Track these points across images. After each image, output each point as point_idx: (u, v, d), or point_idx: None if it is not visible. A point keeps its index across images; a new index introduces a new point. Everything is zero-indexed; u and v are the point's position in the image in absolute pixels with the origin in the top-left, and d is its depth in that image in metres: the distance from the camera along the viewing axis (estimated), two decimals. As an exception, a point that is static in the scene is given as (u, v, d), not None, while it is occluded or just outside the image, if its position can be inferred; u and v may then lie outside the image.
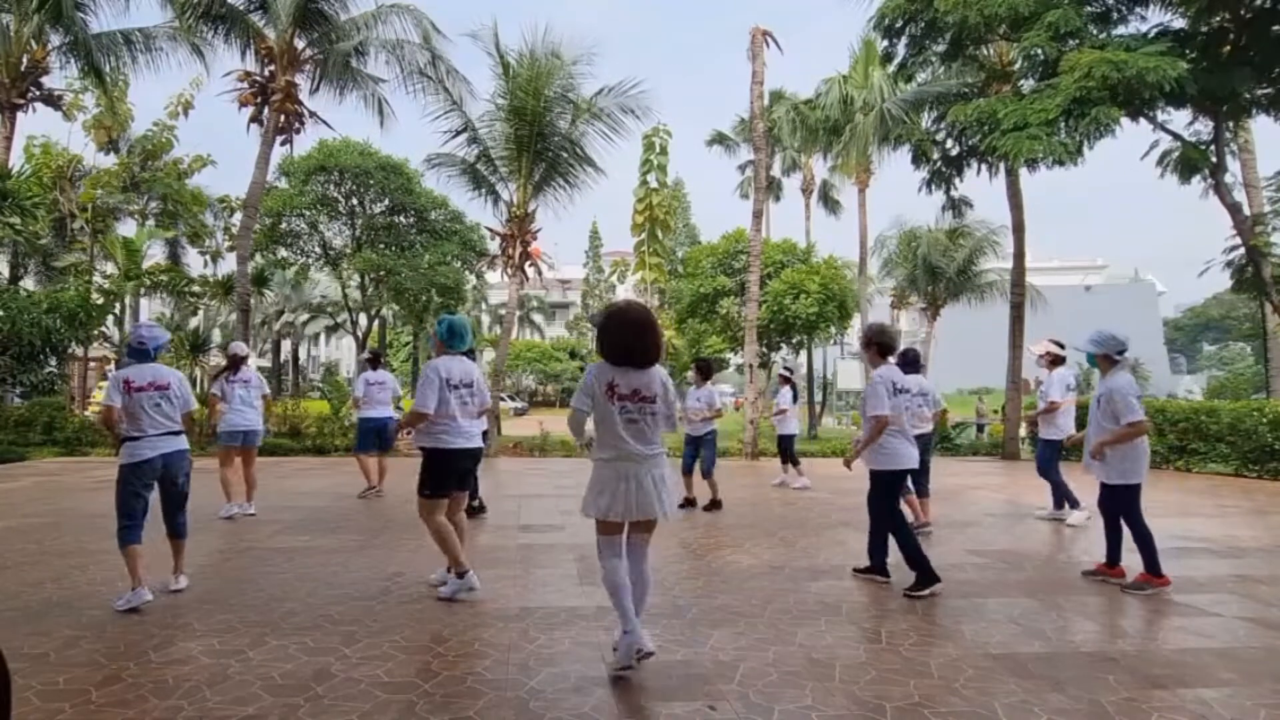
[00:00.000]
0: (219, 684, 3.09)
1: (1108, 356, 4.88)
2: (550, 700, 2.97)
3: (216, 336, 41.88)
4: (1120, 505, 4.82)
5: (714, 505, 7.88)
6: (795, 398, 10.33)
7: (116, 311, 16.97)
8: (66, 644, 3.56)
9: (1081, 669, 3.38)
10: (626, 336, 3.29)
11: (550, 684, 3.14)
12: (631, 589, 3.28)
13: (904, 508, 5.34)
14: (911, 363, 6.51)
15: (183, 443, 4.51)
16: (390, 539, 6.13)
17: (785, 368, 12.39)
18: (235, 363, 7.39)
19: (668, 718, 2.84)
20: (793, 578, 4.98)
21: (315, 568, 5.13)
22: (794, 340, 23.99)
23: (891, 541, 4.80)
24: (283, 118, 15.48)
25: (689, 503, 8.01)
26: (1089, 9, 12.82)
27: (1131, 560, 4.84)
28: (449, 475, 4.39)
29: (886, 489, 4.82)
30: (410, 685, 3.10)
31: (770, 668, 3.35)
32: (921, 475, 6.48)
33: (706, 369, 8.18)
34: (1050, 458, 7.35)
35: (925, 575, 4.55)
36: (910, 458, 4.81)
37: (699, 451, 8.04)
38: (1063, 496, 7.37)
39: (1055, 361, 7.13)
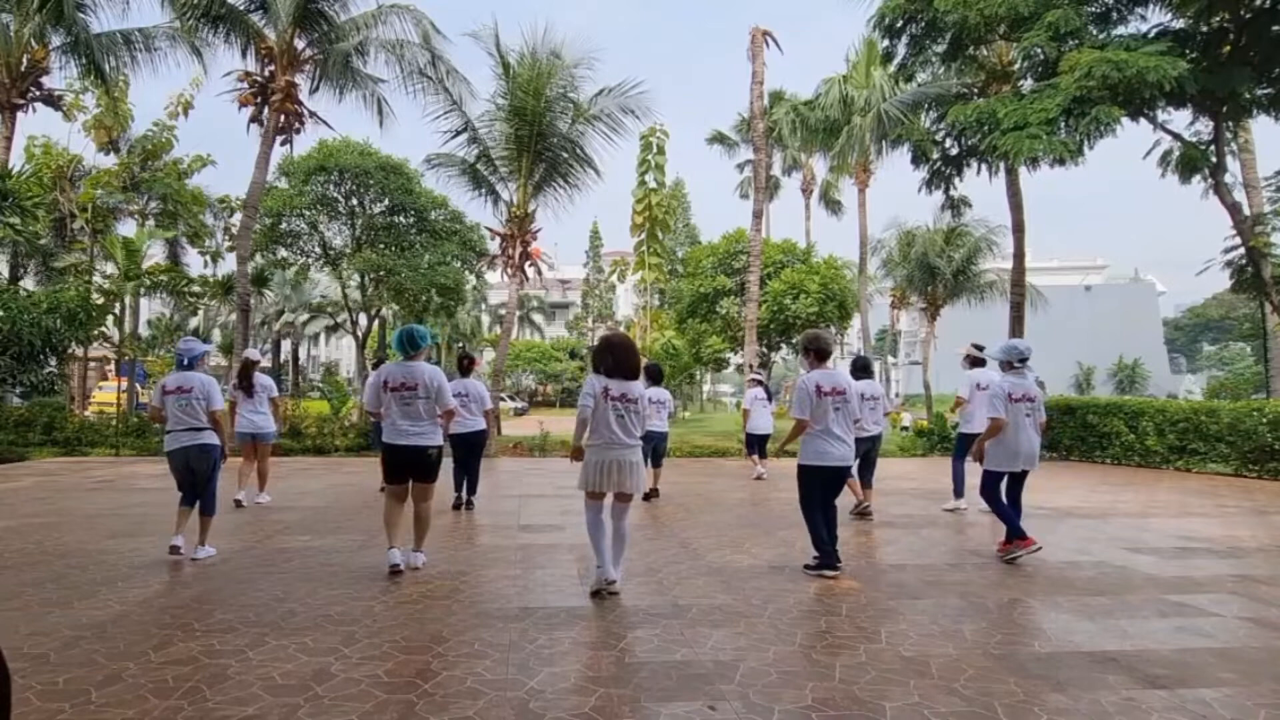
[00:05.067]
0: (219, 684, 3.09)
1: (1009, 363, 5.66)
2: (550, 700, 2.97)
3: (216, 336, 41.99)
4: (990, 487, 5.61)
5: (652, 494, 8.51)
6: (770, 397, 10.98)
7: (116, 311, 16.95)
8: (66, 644, 3.56)
9: (1081, 669, 3.38)
10: (614, 356, 4.46)
11: (550, 684, 3.14)
12: (611, 544, 4.41)
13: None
14: (862, 369, 7.07)
15: (203, 438, 5.23)
16: (390, 539, 6.12)
17: (755, 371, 12.71)
18: (248, 368, 7.76)
19: (668, 718, 2.84)
20: (793, 578, 4.98)
21: (315, 568, 5.13)
22: (794, 340, 23.99)
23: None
24: (283, 118, 15.46)
25: (654, 493, 8.55)
26: (1089, 9, 12.82)
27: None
28: (390, 468, 5.05)
29: (804, 482, 5.11)
30: (410, 685, 3.10)
31: (770, 668, 3.35)
32: (866, 470, 7.17)
33: (656, 374, 8.73)
34: (960, 450, 7.89)
35: (825, 557, 5.02)
36: (831, 456, 4.99)
37: (655, 446, 8.67)
38: (958, 485, 7.87)
39: (975, 363, 7.67)
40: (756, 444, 10.73)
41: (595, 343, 4.65)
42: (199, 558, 5.27)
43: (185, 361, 5.33)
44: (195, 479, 5.29)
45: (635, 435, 4.39)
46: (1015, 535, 5.49)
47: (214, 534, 5.72)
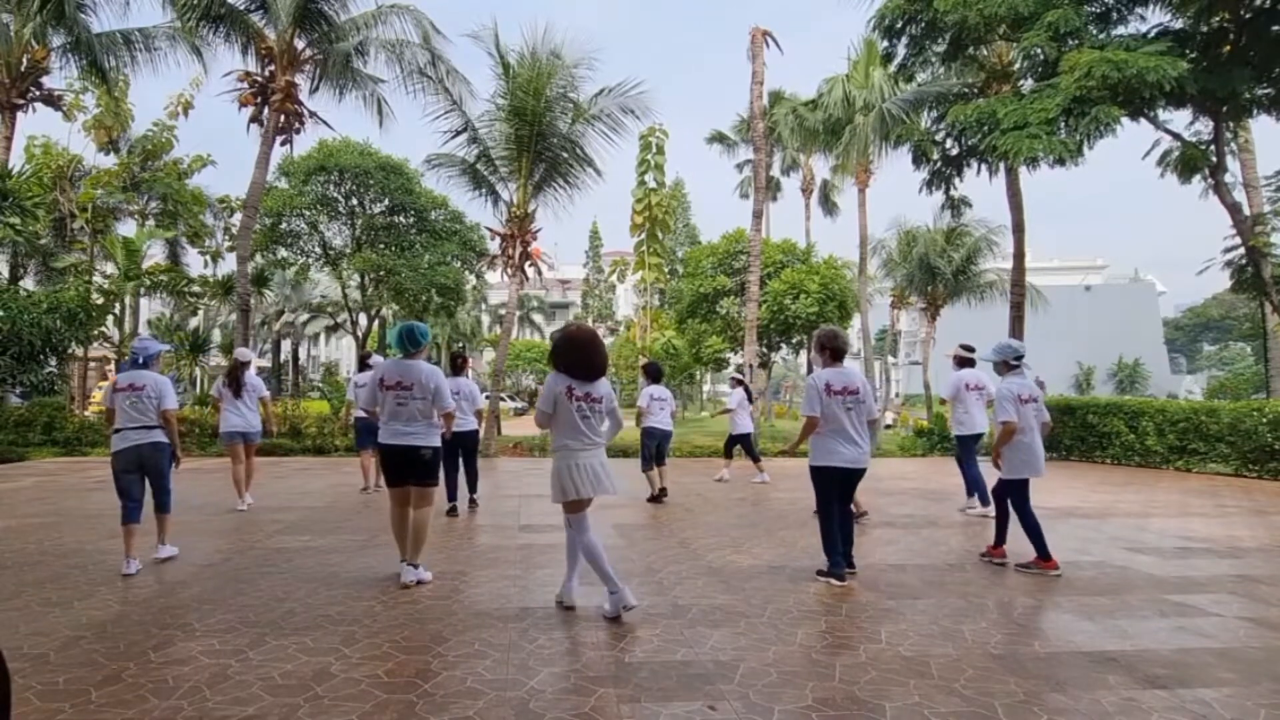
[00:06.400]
0: (219, 684, 3.09)
1: (1005, 362, 5.43)
2: (550, 700, 2.97)
3: (216, 337, 41.96)
4: (1008, 496, 5.34)
5: (661, 495, 8.40)
6: (751, 399, 11.04)
7: (116, 311, 16.96)
8: (66, 644, 3.56)
9: (1081, 669, 3.38)
10: (578, 353, 4.04)
11: (550, 684, 3.14)
12: (574, 560, 4.10)
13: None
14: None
15: (154, 435, 5.06)
16: (390, 539, 6.10)
17: (738, 371, 12.66)
18: (236, 368, 7.56)
19: (668, 718, 2.84)
20: (793, 578, 4.98)
21: (315, 568, 5.13)
22: (794, 340, 23.99)
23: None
24: (283, 118, 15.47)
25: (663, 493, 8.47)
26: (1089, 9, 12.81)
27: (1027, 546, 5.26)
28: (387, 471, 4.87)
29: (816, 483, 4.97)
30: (410, 685, 3.10)
31: (770, 668, 3.35)
32: None
33: (655, 372, 8.72)
34: (966, 453, 7.83)
35: (834, 565, 4.89)
36: (841, 455, 4.79)
37: (658, 445, 8.62)
38: (971, 486, 7.78)
39: (963, 363, 7.65)
40: (734, 444, 10.57)
41: (555, 337, 4.24)
42: (160, 557, 5.18)
43: (140, 360, 5.19)
44: (143, 480, 5.08)
45: (599, 434, 4.05)
46: (1040, 554, 5.24)
47: (214, 534, 5.74)
